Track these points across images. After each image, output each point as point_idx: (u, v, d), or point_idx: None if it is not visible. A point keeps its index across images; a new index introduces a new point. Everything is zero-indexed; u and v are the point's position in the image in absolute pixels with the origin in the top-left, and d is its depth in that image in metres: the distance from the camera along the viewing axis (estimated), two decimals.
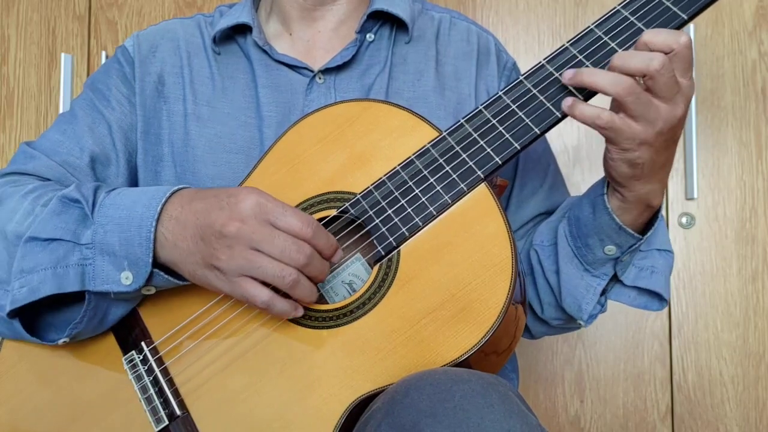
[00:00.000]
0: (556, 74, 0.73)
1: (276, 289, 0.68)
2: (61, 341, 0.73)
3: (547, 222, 0.87)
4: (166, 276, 0.71)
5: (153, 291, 0.73)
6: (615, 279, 0.82)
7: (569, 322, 0.86)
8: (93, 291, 0.71)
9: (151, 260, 0.69)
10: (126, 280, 0.70)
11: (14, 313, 0.72)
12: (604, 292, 0.83)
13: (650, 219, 0.79)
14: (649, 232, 0.78)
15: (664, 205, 1.37)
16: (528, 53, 1.44)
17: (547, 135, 0.84)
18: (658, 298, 0.83)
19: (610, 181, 0.77)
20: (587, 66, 0.72)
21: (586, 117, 0.70)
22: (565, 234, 0.82)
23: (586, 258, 0.80)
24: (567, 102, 0.71)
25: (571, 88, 0.72)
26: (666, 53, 0.67)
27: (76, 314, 0.72)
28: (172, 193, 0.71)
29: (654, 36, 0.67)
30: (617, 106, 0.69)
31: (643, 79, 0.67)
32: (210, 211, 0.68)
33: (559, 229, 0.83)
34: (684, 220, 1.37)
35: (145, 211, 0.70)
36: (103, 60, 1.45)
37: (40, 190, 0.78)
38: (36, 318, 0.76)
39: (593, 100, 0.72)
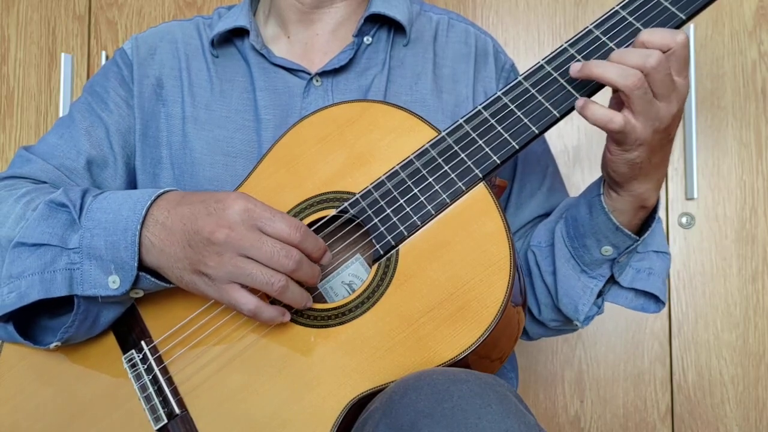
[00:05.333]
0: (555, 74, 0.73)
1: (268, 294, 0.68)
2: (53, 345, 0.73)
3: (545, 223, 0.87)
4: (153, 279, 0.71)
5: (141, 294, 0.73)
6: (612, 280, 0.82)
7: (566, 324, 0.86)
8: (81, 295, 0.70)
9: (136, 264, 0.69)
10: (113, 283, 0.70)
11: (7, 318, 0.73)
12: (600, 294, 0.83)
13: (646, 219, 0.79)
14: (645, 233, 0.77)
15: (663, 205, 1.39)
16: (528, 53, 1.44)
17: (547, 136, 0.85)
18: (655, 300, 0.82)
19: (607, 181, 0.77)
20: None
21: (597, 119, 0.68)
22: (562, 235, 0.82)
23: (582, 259, 0.80)
24: (579, 102, 0.70)
25: (568, 87, 0.72)
26: (663, 52, 0.66)
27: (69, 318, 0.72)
28: (158, 196, 0.71)
29: (651, 35, 0.67)
30: (621, 101, 0.69)
31: None
32: (197, 217, 0.68)
33: (556, 230, 0.83)
34: (684, 220, 1.37)
35: (130, 214, 0.70)
36: (103, 60, 1.45)
37: (33, 193, 0.78)
38: (34, 321, 0.76)
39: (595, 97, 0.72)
